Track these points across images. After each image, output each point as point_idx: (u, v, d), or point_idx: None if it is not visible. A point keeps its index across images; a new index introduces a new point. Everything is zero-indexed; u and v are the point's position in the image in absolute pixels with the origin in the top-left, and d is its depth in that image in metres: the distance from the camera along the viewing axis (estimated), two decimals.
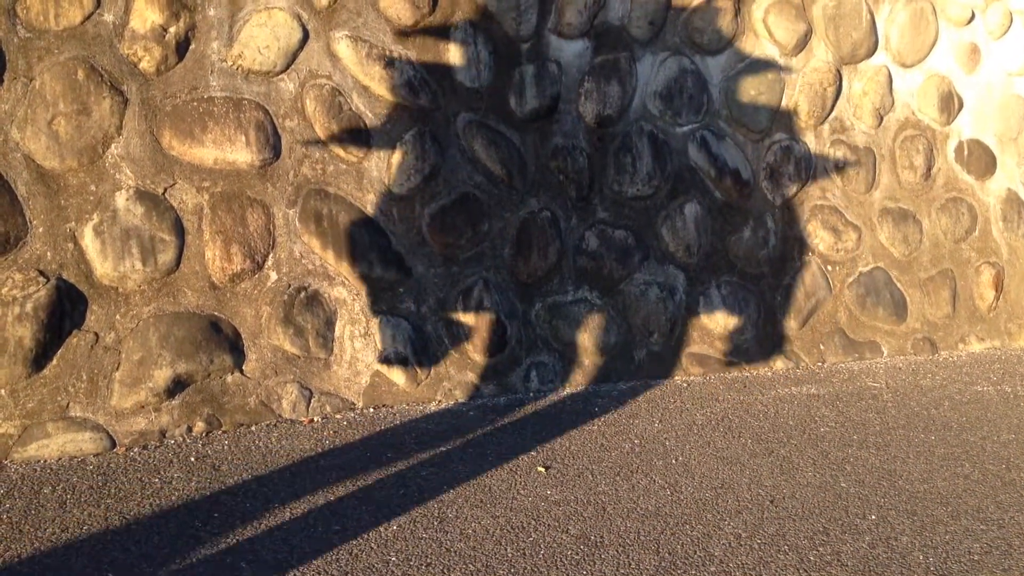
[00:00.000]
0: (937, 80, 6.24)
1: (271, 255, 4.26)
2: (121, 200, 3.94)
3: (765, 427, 4.31)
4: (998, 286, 6.22)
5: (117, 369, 3.85)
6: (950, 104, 6.28)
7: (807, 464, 3.85)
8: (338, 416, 4.22)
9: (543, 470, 3.68)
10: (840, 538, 3.11)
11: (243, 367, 4.12)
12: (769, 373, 5.26)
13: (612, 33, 5.19)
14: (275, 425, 4.06)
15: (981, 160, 6.38)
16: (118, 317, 3.90)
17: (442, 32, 4.72)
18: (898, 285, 5.95)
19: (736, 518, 3.26)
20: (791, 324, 5.55)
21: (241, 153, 4.19)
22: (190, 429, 3.91)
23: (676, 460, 3.83)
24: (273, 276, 4.26)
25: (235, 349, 4.10)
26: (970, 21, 6.34)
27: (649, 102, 5.32)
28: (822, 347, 5.59)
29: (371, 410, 4.31)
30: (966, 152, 6.34)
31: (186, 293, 4.05)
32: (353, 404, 4.32)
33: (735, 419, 4.41)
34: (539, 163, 4.96)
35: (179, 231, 4.05)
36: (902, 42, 6.10)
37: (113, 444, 3.76)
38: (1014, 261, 6.37)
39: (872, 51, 6.01)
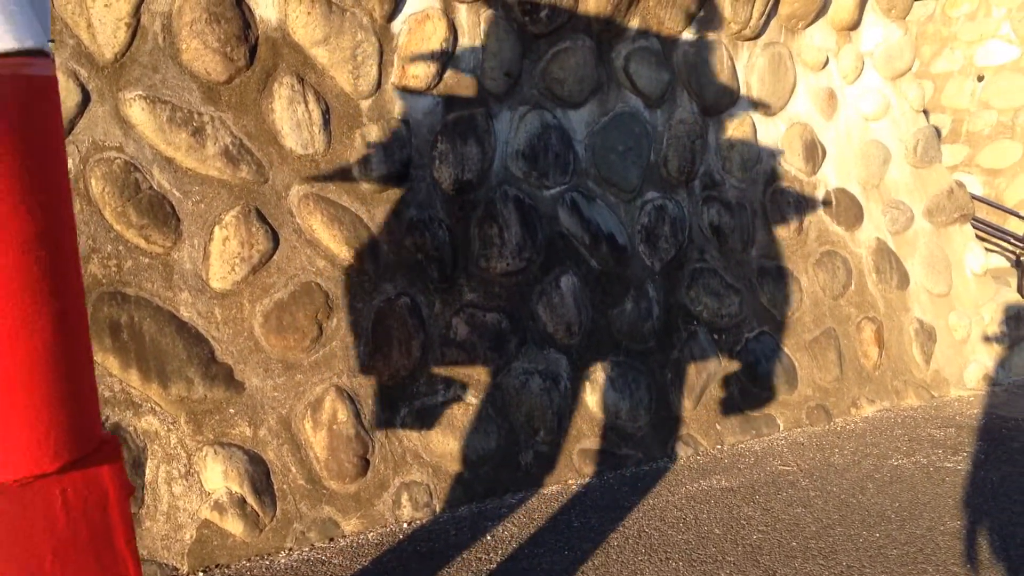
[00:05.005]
0: (800, 128, 5.90)
1: None
2: None
3: (691, 541, 3.61)
4: (880, 342, 5.88)
5: None
6: (814, 153, 5.95)
7: None
8: None
9: None
10: None
11: None
12: (670, 464, 4.60)
13: (465, 86, 4.47)
14: None
15: (849, 210, 6.08)
16: None
17: (263, 89, 3.85)
18: (785, 350, 5.48)
19: None
20: (685, 404, 4.93)
21: None
22: None
23: None
24: None
25: None
26: (825, 65, 6.07)
27: (511, 163, 4.62)
28: (719, 427, 5.00)
29: (201, 575, 3.31)
30: (834, 202, 6.01)
31: None
32: (176, 570, 3.30)
33: (653, 533, 3.69)
34: (392, 240, 4.13)
35: None
36: (763, 89, 5.72)
37: None
38: (891, 315, 6.06)
39: (735, 100, 5.59)
